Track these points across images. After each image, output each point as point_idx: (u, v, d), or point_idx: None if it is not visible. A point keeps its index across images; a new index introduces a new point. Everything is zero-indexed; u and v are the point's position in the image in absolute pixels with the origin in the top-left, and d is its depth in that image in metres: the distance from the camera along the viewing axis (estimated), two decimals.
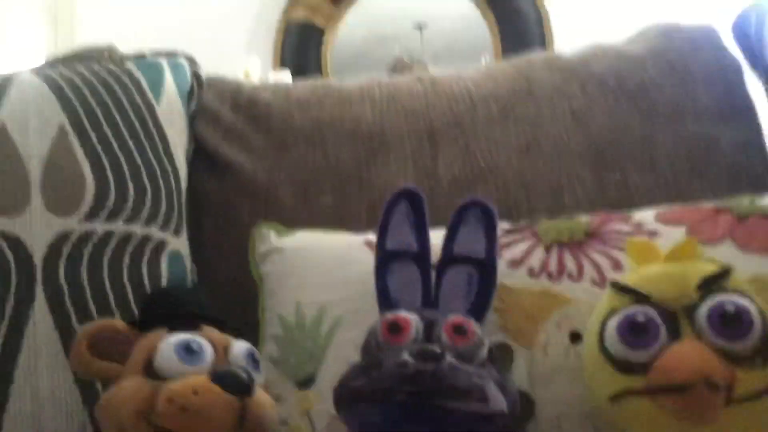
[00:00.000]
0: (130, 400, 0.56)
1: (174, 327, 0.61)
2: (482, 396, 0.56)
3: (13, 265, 0.70)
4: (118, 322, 0.63)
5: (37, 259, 0.71)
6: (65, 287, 0.71)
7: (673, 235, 0.71)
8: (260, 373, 0.63)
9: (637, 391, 0.56)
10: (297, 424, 0.71)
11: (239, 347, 0.63)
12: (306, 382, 0.72)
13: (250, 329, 0.77)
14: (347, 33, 2.53)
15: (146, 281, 0.76)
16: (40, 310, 0.70)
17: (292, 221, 0.84)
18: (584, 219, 0.77)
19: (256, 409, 0.58)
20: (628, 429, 0.58)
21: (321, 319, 0.74)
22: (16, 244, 0.70)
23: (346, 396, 0.59)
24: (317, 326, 0.74)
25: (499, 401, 0.57)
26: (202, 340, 0.60)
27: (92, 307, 0.72)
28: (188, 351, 0.59)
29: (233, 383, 0.57)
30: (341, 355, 0.70)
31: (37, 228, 0.71)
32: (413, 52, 2.46)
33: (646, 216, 0.76)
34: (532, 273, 0.72)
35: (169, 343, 0.59)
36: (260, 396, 0.60)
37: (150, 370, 0.58)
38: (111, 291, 0.74)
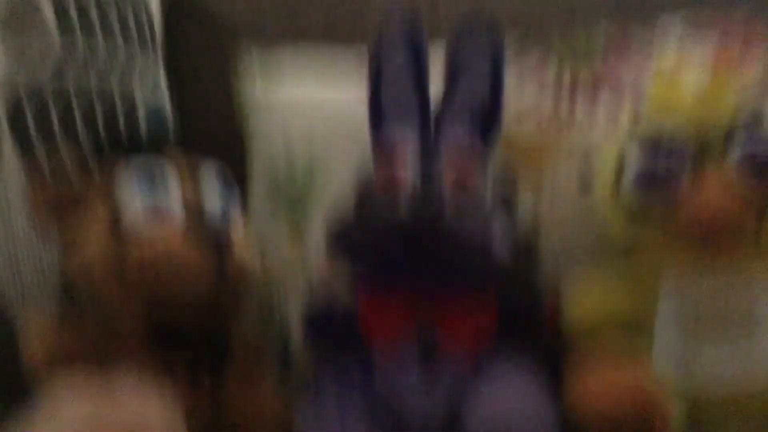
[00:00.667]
0: (97, 254, 0.52)
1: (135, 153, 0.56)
2: (486, 250, 0.52)
3: None
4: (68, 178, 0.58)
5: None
6: (35, 136, 0.64)
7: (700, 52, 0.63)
8: (234, 197, 0.58)
9: (654, 240, 0.52)
10: (291, 270, 0.68)
11: (209, 171, 0.57)
12: (299, 222, 0.69)
13: (236, 162, 0.71)
14: None
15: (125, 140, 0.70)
16: (9, 156, 0.64)
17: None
18: (602, 30, 0.69)
19: (235, 260, 0.55)
20: (641, 279, 0.55)
21: (312, 162, 0.70)
22: None
23: (339, 248, 0.56)
24: (308, 170, 0.70)
25: (502, 254, 0.53)
26: (166, 171, 0.55)
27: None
28: (151, 180, 0.54)
29: (210, 237, 0.53)
30: (334, 195, 0.64)
31: None
32: None
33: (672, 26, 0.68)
34: (541, 104, 0.67)
35: (130, 173, 0.54)
36: (238, 245, 0.56)
37: (112, 204, 0.54)
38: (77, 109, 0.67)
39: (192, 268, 0.52)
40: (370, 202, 0.56)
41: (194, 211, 0.54)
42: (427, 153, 0.58)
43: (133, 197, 0.53)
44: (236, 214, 0.58)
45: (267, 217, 0.70)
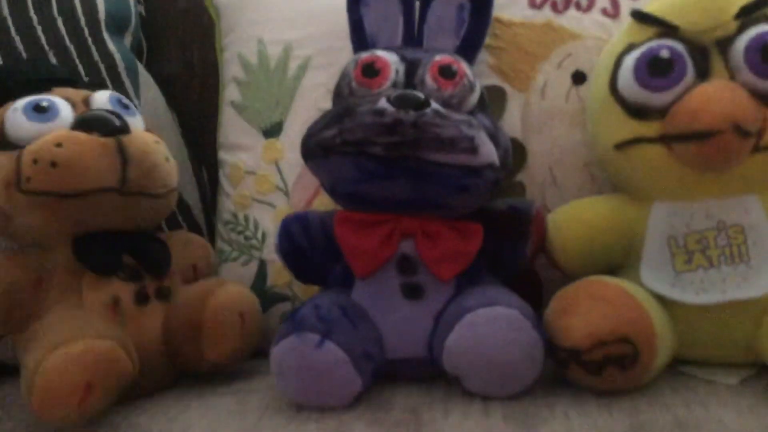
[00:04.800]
0: (3, 183, 0.50)
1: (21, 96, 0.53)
2: (470, 146, 0.48)
3: None
4: None
5: None
6: None
7: None
8: (136, 116, 0.56)
9: (650, 138, 0.48)
10: (264, 173, 0.64)
11: (101, 95, 0.56)
12: (273, 131, 0.65)
13: (209, 69, 0.68)
14: None
15: (80, 16, 0.66)
16: None
17: None
18: None
19: (136, 144, 0.52)
20: (633, 180, 0.51)
21: (287, 60, 0.64)
22: None
23: (315, 147, 0.51)
24: (283, 68, 0.64)
25: (489, 152, 0.49)
26: (54, 97, 0.53)
27: (19, 45, 0.62)
28: (39, 110, 0.52)
29: (99, 125, 0.51)
30: (310, 101, 0.62)
31: None
32: None
33: None
34: (533, 2, 0.62)
35: (15, 108, 0.52)
36: (139, 133, 0.54)
37: (5, 144, 0.52)
38: (40, 26, 0.64)
39: (86, 153, 0.50)
40: (350, 98, 0.52)
41: (81, 108, 0.53)
42: (413, 47, 0.55)
43: (17, 119, 0.52)
44: (134, 114, 0.56)
45: (239, 120, 0.66)
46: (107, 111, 0.53)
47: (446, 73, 0.52)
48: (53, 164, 0.49)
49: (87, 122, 0.51)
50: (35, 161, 0.49)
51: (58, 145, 0.49)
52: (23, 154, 0.50)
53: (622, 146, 0.50)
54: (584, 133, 0.57)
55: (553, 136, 0.59)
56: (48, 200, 0.50)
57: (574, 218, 0.54)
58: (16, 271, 0.51)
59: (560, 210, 0.55)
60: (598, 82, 0.53)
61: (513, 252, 0.54)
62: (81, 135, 0.50)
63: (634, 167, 0.50)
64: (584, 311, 0.46)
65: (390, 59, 0.53)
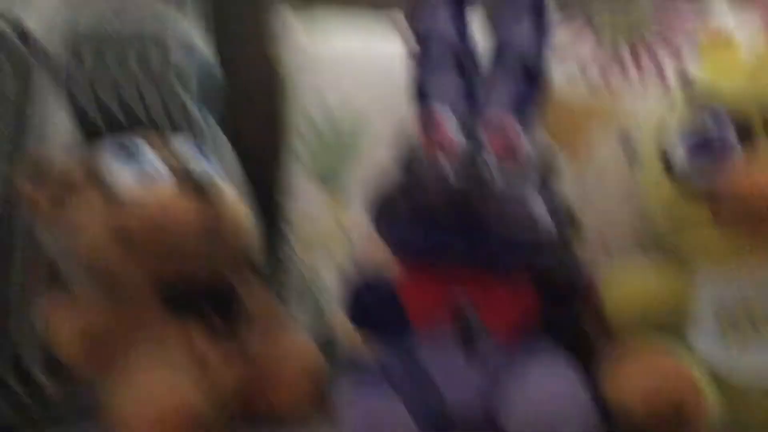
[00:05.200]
0: (97, 223, 0.55)
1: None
2: (528, 215, 0.52)
3: (18, 50, 0.64)
4: (56, 153, 0.60)
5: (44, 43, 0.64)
6: (74, 81, 0.65)
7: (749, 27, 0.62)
8: (216, 168, 0.61)
9: (700, 214, 0.50)
10: (328, 226, 0.68)
11: (183, 143, 0.60)
12: (336, 187, 0.69)
13: (274, 121, 0.72)
14: None
15: (163, 85, 0.70)
16: (44, 107, 0.64)
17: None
18: (646, 5, 0.68)
19: (223, 202, 0.56)
20: (683, 250, 0.54)
21: (351, 120, 0.69)
22: (23, 30, 0.64)
23: (379, 207, 0.55)
24: (348, 128, 0.69)
25: (548, 228, 0.53)
26: (139, 143, 0.58)
27: (106, 109, 0.66)
28: (124, 150, 0.57)
29: (192, 180, 0.56)
30: (373, 160, 0.65)
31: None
32: None
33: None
34: (584, 71, 0.65)
35: (105, 151, 0.57)
36: (226, 190, 0.58)
37: (98, 180, 0.56)
38: (127, 92, 0.67)
39: (185, 218, 0.54)
40: (414, 166, 0.55)
41: (177, 169, 0.57)
42: (472, 117, 0.58)
43: (118, 170, 0.56)
44: (219, 173, 0.60)
45: (305, 180, 0.70)
46: (198, 168, 0.57)
47: (505, 144, 0.55)
48: (155, 222, 0.53)
49: (184, 182, 0.55)
50: (134, 214, 0.53)
51: (163, 210, 0.53)
52: (123, 204, 0.54)
53: (674, 225, 0.53)
54: (636, 203, 0.60)
55: (605, 205, 0.62)
56: (144, 253, 0.54)
57: (625, 284, 0.56)
58: (105, 313, 0.55)
59: (612, 276, 0.57)
60: (648, 155, 0.55)
61: (566, 314, 0.57)
62: (181, 195, 0.54)
63: (684, 240, 0.53)
64: (638, 378, 0.48)
65: (452, 127, 0.56)
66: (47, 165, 0.59)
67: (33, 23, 0.65)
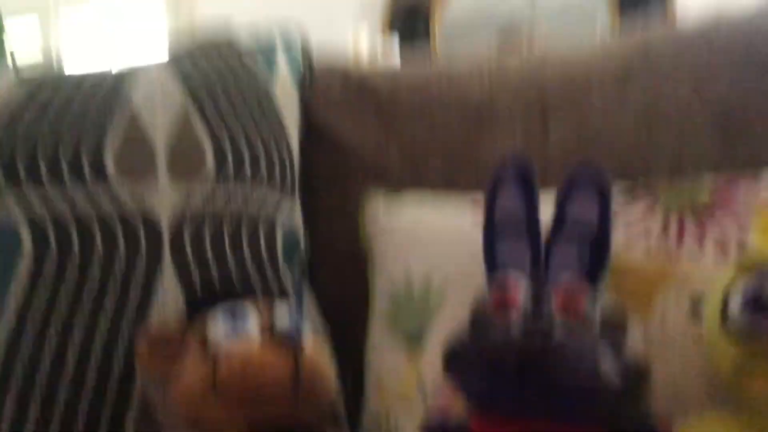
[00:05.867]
0: (195, 376, 0.62)
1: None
2: (594, 369, 0.54)
3: (142, 231, 0.74)
4: (172, 327, 0.69)
5: (164, 226, 0.75)
6: (191, 259, 0.75)
7: None
8: (307, 324, 0.67)
9: (763, 368, 0.53)
10: (407, 380, 0.72)
11: (282, 308, 0.67)
12: (415, 344, 0.73)
13: (360, 292, 0.80)
14: None
15: (264, 256, 0.80)
16: (169, 281, 0.74)
17: (401, 188, 0.86)
18: (708, 181, 0.73)
19: (310, 359, 0.62)
20: (755, 410, 0.55)
21: (429, 283, 0.75)
22: (145, 211, 0.75)
23: (454, 360, 0.59)
24: (426, 291, 0.74)
25: (611, 377, 0.55)
26: (246, 305, 0.66)
27: (216, 280, 0.76)
28: (233, 315, 0.64)
29: (283, 339, 0.62)
30: (450, 319, 0.70)
31: (164, 196, 0.76)
32: (525, 14, 2.37)
33: None
34: (649, 240, 0.70)
35: (215, 313, 0.65)
36: (312, 348, 0.64)
37: (204, 343, 0.64)
38: (231, 256, 0.77)
39: (269, 367, 0.60)
40: (484, 325, 0.60)
41: (267, 327, 0.64)
42: (539, 281, 0.63)
43: (217, 327, 0.64)
44: (307, 331, 0.66)
45: (386, 340, 0.75)
46: (288, 328, 0.64)
47: (570, 304, 0.59)
48: (242, 372, 0.60)
49: (273, 336, 0.63)
50: (229, 368, 0.60)
51: (249, 356, 0.61)
52: (220, 358, 0.61)
53: (738, 379, 0.54)
54: (704, 358, 0.62)
55: (674, 360, 0.64)
56: (233, 401, 0.60)
57: None
58: None
59: (686, 427, 0.58)
60: (710, 315, 0.58)
61: None
62: (267, 348, 0.62)
63: (754, 399, 0.54)
64: None
65: (520, 288, 0.61)
66: (163, 330, 0.68)
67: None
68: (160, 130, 0.78)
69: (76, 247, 0.72)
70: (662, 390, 0.63)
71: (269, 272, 0.80)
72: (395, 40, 2.32)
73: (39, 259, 0.71)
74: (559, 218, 0.68)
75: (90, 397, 0.69)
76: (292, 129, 0.90)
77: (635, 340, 0.65)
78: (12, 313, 0.69)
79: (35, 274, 0.71)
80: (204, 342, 0.65)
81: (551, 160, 0.85)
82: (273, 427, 0.63)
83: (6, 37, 2.30)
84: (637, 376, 0.60)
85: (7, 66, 2.12)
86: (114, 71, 0.85)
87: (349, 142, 0.95)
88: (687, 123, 0.85)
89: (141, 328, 0.71)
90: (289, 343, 0.62)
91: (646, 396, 0.62)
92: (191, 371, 0.64)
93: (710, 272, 0.65)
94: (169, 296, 0.73)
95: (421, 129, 0.93)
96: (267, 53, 0.91)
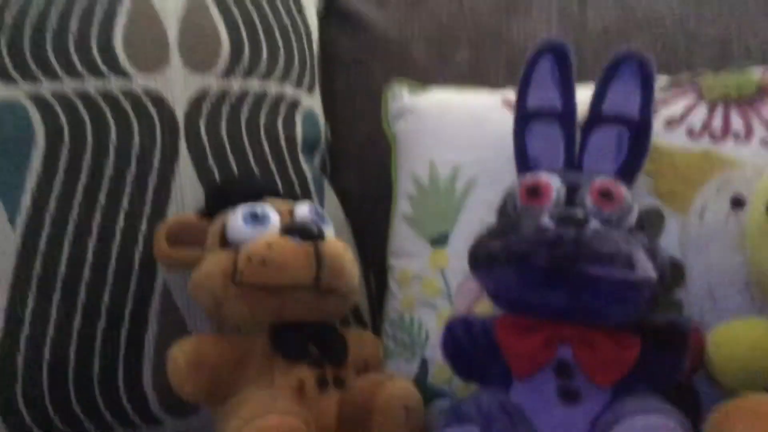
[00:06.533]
0: (215, 268, 0.61)
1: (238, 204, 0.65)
2: (628, 262, 0.52)
3: (157, 121, 0.72)
4: (190, 215, 0.68)
5: (179, 115, 0.72)
6: (207, 144, 0.73)
7: None
8: (329, 225, 0.66)
9: None
10: (430, 279, 0.70)
11: (303, 207, 0.66)
12: (439, 241, 0.71)
13: (383, 186, 0.77)
14: None
15: (282, 140, 0.77)
16: (185, 166, 0.72)
17: (426, 78, 0.81)
18: (756, 72, 0.68)
19: (330, 250, 0.61)
20: None
21: (455, 179, 0.71)
22: (159, 101, 0.72)
23: (481, 257, 0.57)
24: (451, 186, 0.71)
25: (646, 268, 0.52)
26: (266, 207, 0.64)
27: (233, 164, 0.74)
28: (254, 217, 0.62)
29: (302, 232, 0.60)
30: (476, 216, 0.68)
31: (177, 85, 0.73)
32: None
33: None
34: (691, 133, 0.66)
35: (236, 215, 0.63)
36: (332, 240, 0.63)
37: (225, 244, 0.63)
38: (249, 148, 0.75)
39: (292, 263, 0.59)
40: (512, 214, 0.58)
41: (287, 217, 0.63)
42: (574, 173, 0.60)
43: (241, 227, 0.63)
44: (328, 223, 0.66)
45: (409, 230, 0.73)
46: (308, 221, 0.63)
47: (605, 195, 0.57)
48: (263, 263, 0.59)
49: (292, 229, 0.61)
50: (249, 259, 0.59)
51: (269, 247, 0.59)
52: (240, 252, 0.60)
53: None
54: (743, 256, 0.59)
55: (711, 257, 0.61)
56: (254, 292, 0.60)
57: (733, 338, 0.55)
58: (222, 351, 0.60)
59: (719, 329, 0.56)
60: (756, 207, 0.55)
61: (670, 366, 0.55)
62: (287, 240, 0.60)
63: None
64: (743, 427, 0.47)
65: (552, 182, 0.58)
66: (183, 226, 0.66)
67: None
68: (171, 15, 0.74)
69: (89, 138, 0.70)
70: (698, 290, 0.61)
71: (289, 166, 0.78)
72: None
73: (52, 149, 0.69)
74: (597, 107, 0.63)
75: (111, 290, 0.68)
76: (311, 10, 0.86)
77: (672, 236, 0.63)
78: (29, 206, 0.68)
79: (50, 165, 0.69)
80: (224, 240, 0.63)
81: (589, 47, 0.80)
82: (295, 322, 0.62)
83: None
84: (672, 275, 0.58)
85: None
86: None
87: (374, 25, 0.89)
88: (738, 5, 0.80)
89: (159, 218, 0.70)
90: (310, 237, 0.61)
91: (679, 292, 0.60)
92: (212, 263, 0.62)
93: (755, 168, 0.61)
94: (186, 188, 0.71)
95: (447, 14, 0.87)
96: None
